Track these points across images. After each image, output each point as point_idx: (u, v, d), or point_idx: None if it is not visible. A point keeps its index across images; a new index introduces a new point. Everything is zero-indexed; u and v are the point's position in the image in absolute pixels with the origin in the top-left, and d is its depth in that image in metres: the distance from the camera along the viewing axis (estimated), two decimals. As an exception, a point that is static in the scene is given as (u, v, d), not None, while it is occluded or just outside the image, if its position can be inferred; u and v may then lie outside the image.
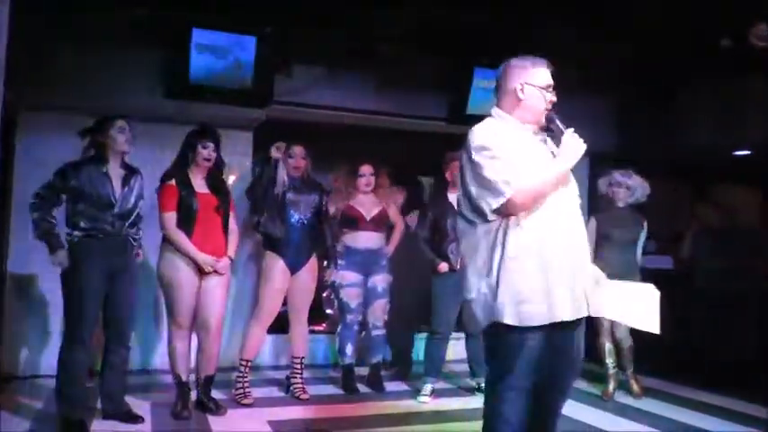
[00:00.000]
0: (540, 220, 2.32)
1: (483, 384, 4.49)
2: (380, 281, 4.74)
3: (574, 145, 2.36)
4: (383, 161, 4.99)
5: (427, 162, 5.62)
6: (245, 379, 4.26)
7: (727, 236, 5.72)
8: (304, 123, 5.57)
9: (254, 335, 4.28)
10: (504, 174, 2.27)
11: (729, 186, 6.34)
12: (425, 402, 4.42)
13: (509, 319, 2.28)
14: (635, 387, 4.76)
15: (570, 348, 2.47)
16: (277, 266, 4.26)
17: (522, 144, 2.39)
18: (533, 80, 2.42)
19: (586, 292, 2.38)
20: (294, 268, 4.29)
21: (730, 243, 5.68)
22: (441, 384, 4.74)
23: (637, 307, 2.45)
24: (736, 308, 5.55)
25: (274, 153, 4.24)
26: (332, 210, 4.66)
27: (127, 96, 4.66)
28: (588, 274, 2.42)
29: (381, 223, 4.78)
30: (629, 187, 4.67)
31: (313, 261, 4.40)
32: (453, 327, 4.55)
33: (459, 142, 4.78)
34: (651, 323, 2.43)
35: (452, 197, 4.51)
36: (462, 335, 4.77)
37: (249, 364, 4.30)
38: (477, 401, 4.39)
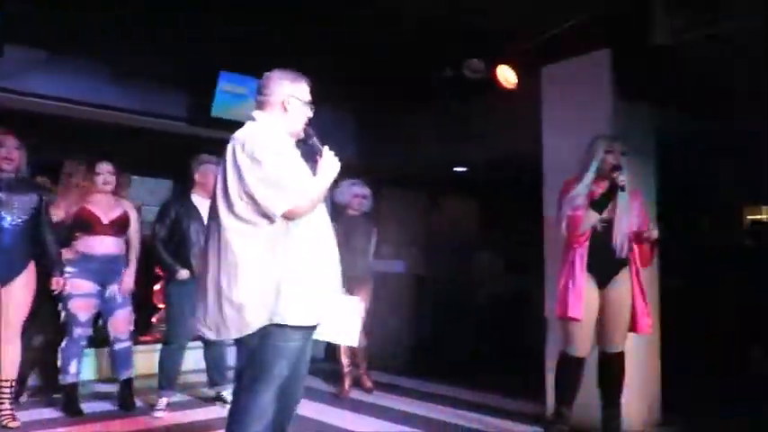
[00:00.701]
0: (313, 226, 2.46)
1: (222, 393, 4.45)
2: (120, 290, 4.38)
3: (331, 163, 2.49)
4: (117, 160, 4.60)
5: (165, 162, 5.36)
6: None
7: (451, 243, 6.44)
8: (19, 113, 4.92)
9: None
10: (292, 178, 2.36)
11: (452, 199, 7.16)
12: (160, 417, 4.18)
13: (293, 319, 2.35)
14: (367, 383, 5.09)
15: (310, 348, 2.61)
16: None
17: (292, 152, 2.52)
18: (298, 94, 2.56)
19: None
20: (5, 279, 3.75)
21: (454, 250, 6.41)
22: (177, 397, 4.54)
23: (339, 320, 2.57)
24: (458, 308, 6.26)
25: None
26: (60, 212, 4.17)
27: None
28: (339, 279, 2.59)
29: (121, 227, 4.38)
30: (366, 197, 5.04)
31: (29, 270, 3.86)
32: (190, 336, 4.39)
33: (202, 144, 4.66)
34: (351, 337, 2.58)
35: (197, 199, 4.36)
36: (198, 343, 4.61)
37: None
38: (215, 411, 4.33)
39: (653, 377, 4.16)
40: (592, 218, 3.42)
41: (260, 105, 2.58)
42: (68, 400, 4.24)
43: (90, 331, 4.34)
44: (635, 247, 3.50)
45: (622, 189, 3.40)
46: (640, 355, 3.96)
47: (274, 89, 2.55)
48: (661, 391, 4.19)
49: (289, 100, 2.53)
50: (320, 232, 2.50)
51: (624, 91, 4.09)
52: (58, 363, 4.29)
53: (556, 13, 4.11)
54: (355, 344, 2.67)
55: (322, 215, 2.54)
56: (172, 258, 4.28)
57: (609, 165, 3.46)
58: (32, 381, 4.68)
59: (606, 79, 4.09)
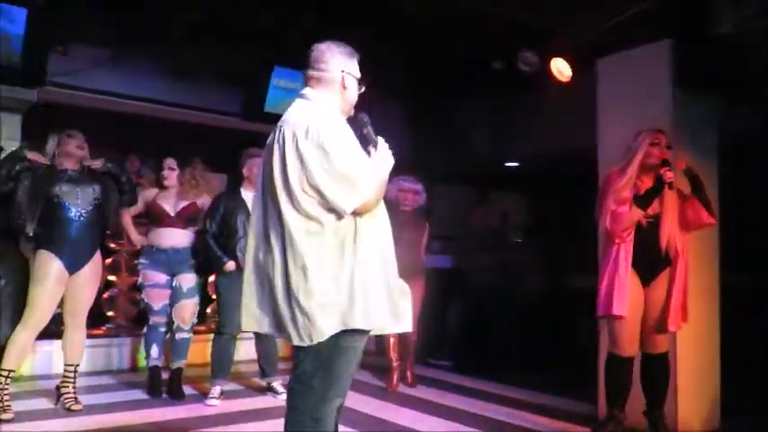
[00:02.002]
0: (378, 221, 2.27)
1: (274, 384, 4.53)
2: (186, 280, 4.51)
3: (387, 156, 2.28)
4: (174, 154, 4.74)
5: (219, 157, 5.47)
6: (5, 391, 3.78)
7: (495, 237, 6.35)
8: (82, 109, 5.12)
9: (20, 342, 3.81)
10: (360, 170, 2.15)
11: (503, 194, 7.07)
12: (214, 405, 4.28)
13: (367, 323, 2.16)
14: (409, 377, 5.06)
15: None
16: (52, 266, 3.82)
17: (354, 138, 2.26)
18: (353, 70, 2.34)
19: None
20: (73, 268, 3.90)
21: (498, 243, 6.32)
22: (230, 386, 4.64)
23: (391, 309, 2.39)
24: (502, 302, 6.17)
25: (29, 155, 3.85)
26: (140, 204, 4.49)
27: None
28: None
29: (188, 220, 4.54)
30: (417, 192, 4.99)
31: (96, 259, 4.03)
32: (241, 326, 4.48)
33: (254, 139, 4.74)
34: (405, 324, 2.42)
35: (246, 194, 4.44)
36: (250, 334, 4.70)
37: (10, 374, 3.82)
38: (267, 401, 4.41)
39: (711, 376, 4.02)
40: (636, 214, 3.31)
41: (312, 81, 2.30)
42: (151, 382, 4.47)
43: (166, 318, 4.54)
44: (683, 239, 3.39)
45: (670, 186, 3.28)
46: (698, 355, 3.83)
47: (330, 63, 2.29)
48: (720, 391, 4.04)
49: (346, 76, 2.30)
50: (384, 227, 2.31)
51: (685, 83, 3.95)
52: (142, 347, 4.60)
53: (613, 2, 4.00)
54: (410, 329, 2.53)
55: (383, 209, 2.34)
56: (221, 251, 4.37)
57: (655, 159, 3.35)
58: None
59: (666, 71, 3.95)
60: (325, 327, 2.12)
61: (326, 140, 2.11)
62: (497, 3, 4.32)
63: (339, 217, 2.14)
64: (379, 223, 2.28)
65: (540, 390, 4.92)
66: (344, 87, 2.30)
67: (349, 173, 2.11)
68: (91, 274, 3.99)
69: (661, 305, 3.39)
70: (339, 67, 2.29)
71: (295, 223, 2.14)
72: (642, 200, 3.32)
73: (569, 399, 4.61)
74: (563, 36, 4.46)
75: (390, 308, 2.26)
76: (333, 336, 2.14)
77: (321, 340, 2.13)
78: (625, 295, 3.31)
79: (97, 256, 4.04)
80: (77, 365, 4.07)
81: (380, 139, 2.30)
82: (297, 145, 2.13)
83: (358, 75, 2.35)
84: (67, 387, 4.03)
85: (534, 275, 6.60)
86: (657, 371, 3.45)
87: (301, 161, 2.12)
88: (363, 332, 2.22)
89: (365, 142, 2.28)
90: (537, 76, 4.60)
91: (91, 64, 5.05)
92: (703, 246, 3.75)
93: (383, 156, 2.27)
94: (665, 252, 3.37)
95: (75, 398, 4.02)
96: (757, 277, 5.09)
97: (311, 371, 2.20)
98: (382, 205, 2.33)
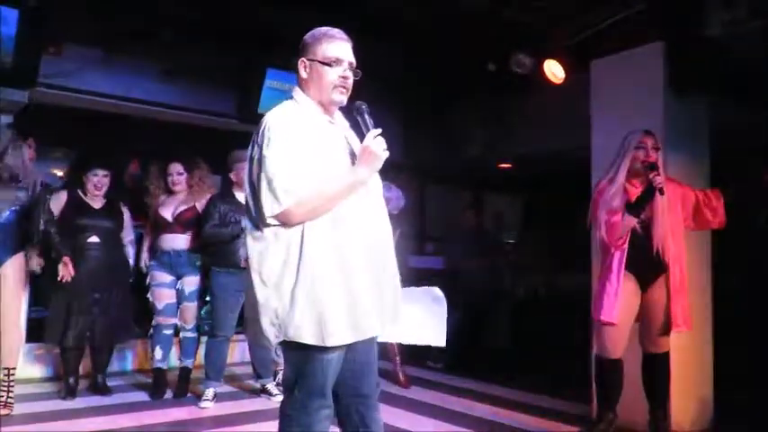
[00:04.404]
0: (342, 222, 2.06)
1: (268, 386, 4.52)
2: (188, 283, 4.53)
3: (375, 151, 2.09)
4: (167, 156, 4.72)
5: (213, 158, 5.47)
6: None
7: (487, 238, 6.36)
8: (73, 110, 5.10)
9: None
10: (288, 179, 1.99)
11: (496, 195, 7.09)
12: (207, 407, 4.26)
13: (310, 338, 2.01)
14: (401, 379, 5.01)
15: (371, 353, 2.26)
16: None
17: (317, 136, 2.11)
18: (315, 55, 2.14)
19: (392, 301, 2.20)
20: None
21: (490, 244, 6.33)
22: (223, 388, 4.62)
23: (414, 319, 2.30)
24: (491, 303, 6.19)
25: None
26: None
27: None
28: (396, 281, 2.24)
29: (186, 224, 4.53)
30: (384, 199, 4.85)
31: (16, 260, 3.92)
32: (235, 328, 4.46)
33: (247, 141, 4.74)
34: (439, 336, 2.32)
35: (240, 195, 4.43)
36: (243, 336, 4.69)
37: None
38: (261, 403, 4.39)
39: (704, 377, 4.03)
40: (630, 222, 3.27)
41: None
42: (153, 384, 4.51)
43: (172, 320, 4.56)
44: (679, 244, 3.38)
45: (661, 192, 3.20)
46: (692, 355, 3.84)
47: (299, 57, 2.17)
48: (714, 392, 4.06)
49: (304, 64, 2.15)
50: (356, 228, 2.09)
51: (677, 85, 3.96)
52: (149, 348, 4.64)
53: (606, 5, 4.02)
54: (442, 344, 2.36)
55: (363, 206, 2.14)
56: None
57: (641, 162, 3.31)
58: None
59: (659, 73, 3.96)
60: (270, 334, 2.06)
61: (267, 143, 2.02)
62: (490, 2, 4.33)
63: (265, 222, 2.03)
64: (342, 228, 2.07)
65: (533, 390, 4.92)
66: (302, 77, 2.17)
67: (274, 179, 1.99)
68: (12, 274, 3.90)
69: (662, 308, 3.37)
70: (300, 58, 2.17)
71: (248, 227, 2.12)
72: (634, 207, 3.27)
73: (563, 399, 4.61)
74: (556, 38, 4.48)
75: (349, 317, 2.05)
76: (293, 344, 2.05)
77: (268, 345, 2.11)
78: (614, 302, 3.28)
79: (14, 259, 3.92)
80: (12, 369, 3.96)
81: (372, 134, 2.11)
82: (251, 145, 2.10)
83: (326, 57, 2.13)
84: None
85: (527, 276, 6.62)
86: (659, 371, 3.43)
87: (250, 162, 2.10)
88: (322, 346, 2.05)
89: (360, 131, 2.16)
90: (530, 78, 4.62)
91: (83, 65, 5.02)
92: (695, 246, 3.75)
93: (371, 154, 2.08)
94: (658, 256, 3.33)
95: (6, 403, 3.92)
96: (750, 278, 5.12)
97: (292, 377, 2.15)
98: (367, 206, 2.17)
